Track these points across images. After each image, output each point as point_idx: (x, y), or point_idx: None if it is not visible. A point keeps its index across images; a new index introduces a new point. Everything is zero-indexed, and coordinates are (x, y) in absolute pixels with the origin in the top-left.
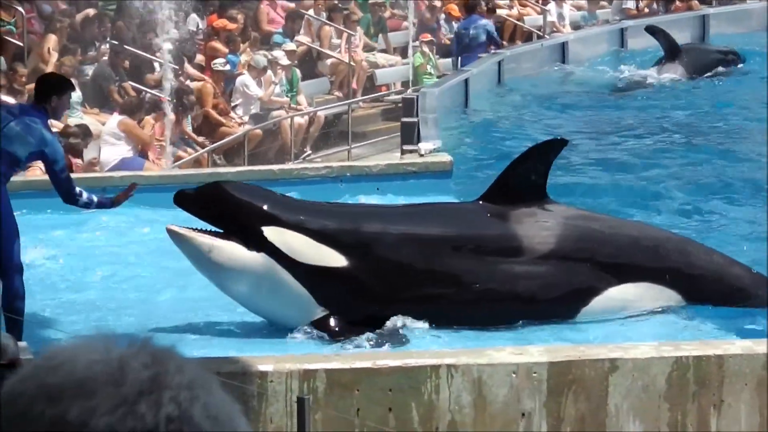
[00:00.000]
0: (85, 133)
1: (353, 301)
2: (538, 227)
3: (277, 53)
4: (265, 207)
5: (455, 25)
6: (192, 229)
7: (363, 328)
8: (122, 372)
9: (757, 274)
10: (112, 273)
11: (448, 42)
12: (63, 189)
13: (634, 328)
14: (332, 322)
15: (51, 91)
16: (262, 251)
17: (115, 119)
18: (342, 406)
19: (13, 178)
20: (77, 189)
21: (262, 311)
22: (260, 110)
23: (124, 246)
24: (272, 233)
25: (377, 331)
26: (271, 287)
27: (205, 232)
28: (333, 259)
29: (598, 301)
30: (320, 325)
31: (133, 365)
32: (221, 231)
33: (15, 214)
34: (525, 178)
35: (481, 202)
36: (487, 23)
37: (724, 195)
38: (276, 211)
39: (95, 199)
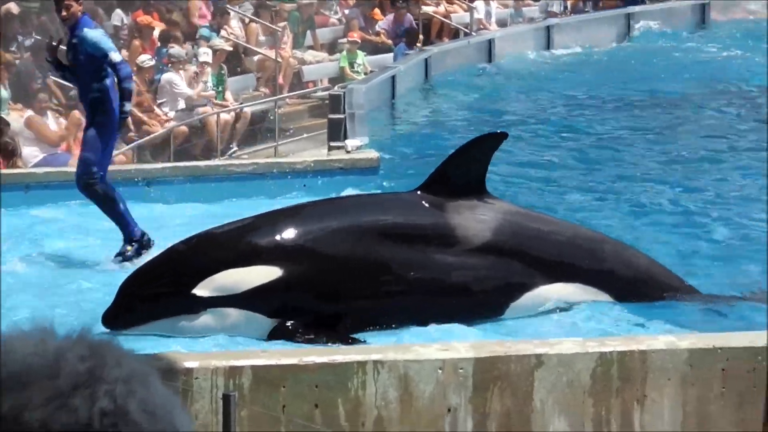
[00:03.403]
0: (5, 126)
1: (298, 307)
2: (475, 220)
3: (202, 50)
4: (178, 277)
5: (379, 24)
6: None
7: (317, 329)
8: (58, 364)
9: (688, 285)
10: (29, 265)
11: (376, 40)
12: None
13: (562, 324)
14: (285, 330)
15: None
16: (207, 310)
17: (23, 117)
18: (268, 402)
19: None
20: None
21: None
22: (186, 107)
23: (50, 240)
24: (202, 291)
25: (330, 330)
26: (227, 327)
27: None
28: (268, 274)
29: (528, 298)
30: (275, 335)
31: (70, 358)
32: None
33: None
34: (464, 171)
35: (419, 193)
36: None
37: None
38: (191, 273)
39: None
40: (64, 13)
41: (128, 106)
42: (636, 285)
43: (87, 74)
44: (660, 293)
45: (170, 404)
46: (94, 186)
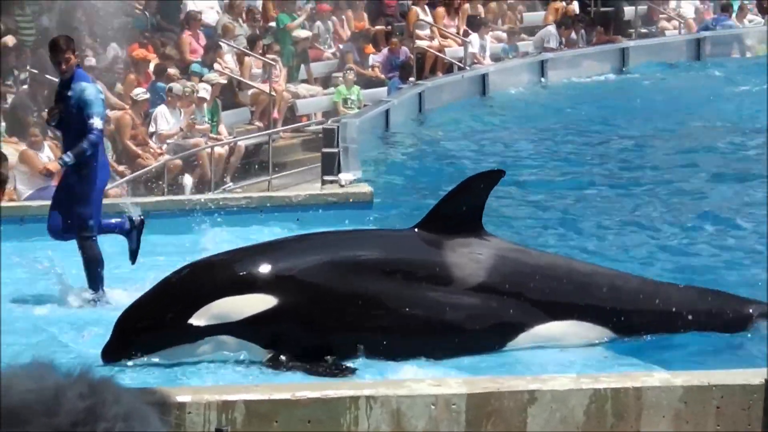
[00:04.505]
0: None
1: (293, 337)
2: (471, 259)
3: (201, 86)
4: (174, 308)
5: (372, 57)
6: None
7: (311, 361)
8: (57, 402)
9: (687, 288)
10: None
11: (370, 74)
12: None
13: (556, 360)
14: (279, 361)
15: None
16: (204, 338)
17: (18, 152)
18: None
19: None
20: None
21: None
22: (178, 140)
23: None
24: (198, 320)
25: (324, 362)
26: (224, 356)
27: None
28: (263, 302)
29: (525, 338)
30: (270, 364)
31: (70, 395)
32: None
33: None
34: (461, 209)
35: (416, 230)
36: (733, 23)
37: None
38: (186, 303)
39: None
40: (64, 67)
41: (69, 159)
42: (638, 314)
43: (77, 127)
44: (668, 318)
45: None
46: (90, 242)
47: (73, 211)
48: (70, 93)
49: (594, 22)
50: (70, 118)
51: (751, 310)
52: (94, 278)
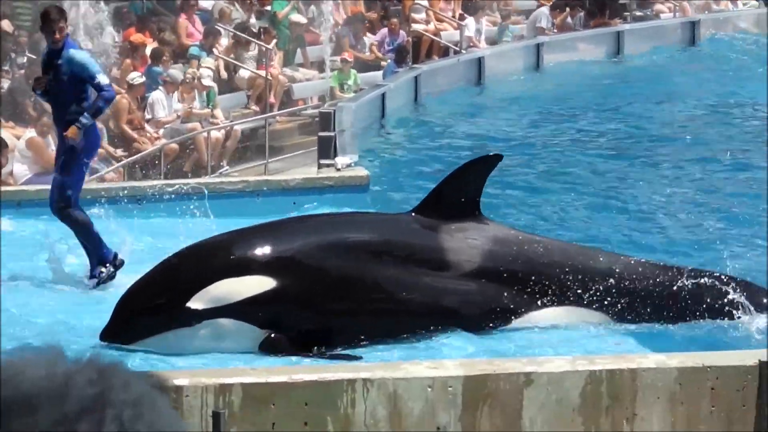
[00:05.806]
0: (4, 147)
1: (289, 319)
2: (466, 244)
3: (204, 71)
4: (173, 291)
5: (369, 37)
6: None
7: (309, 344)
8: (66, 388)
9: (691, 270)
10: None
11: (367, 57)
12: None
13: (552, 342)
14: (276, 341)
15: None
16: (203, 322)
17: (24, 137)
18: (258, 420)
19: None
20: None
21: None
22: (175, 124)
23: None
24: (197, 303)
25: (323, 347)
26: (222, 338)
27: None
28: (261, 284)
29: (519, 323)
30: (266, 346)
31: (78, 381)
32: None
33: None
34: (458, 193)
35: (413, 215)
36: None
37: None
38: (185, 286)
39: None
40: (57, 36)
41: (87, 120)
42: (637, 299)
43: (68, 96)
44: (671, 302)
45: (177, 426)
46: (68, 210)
47: (56, 181)
48: (59, 61)
49: (590, 5)
50: (61, 86)
51: (758, 293)
52: (97, 242)
